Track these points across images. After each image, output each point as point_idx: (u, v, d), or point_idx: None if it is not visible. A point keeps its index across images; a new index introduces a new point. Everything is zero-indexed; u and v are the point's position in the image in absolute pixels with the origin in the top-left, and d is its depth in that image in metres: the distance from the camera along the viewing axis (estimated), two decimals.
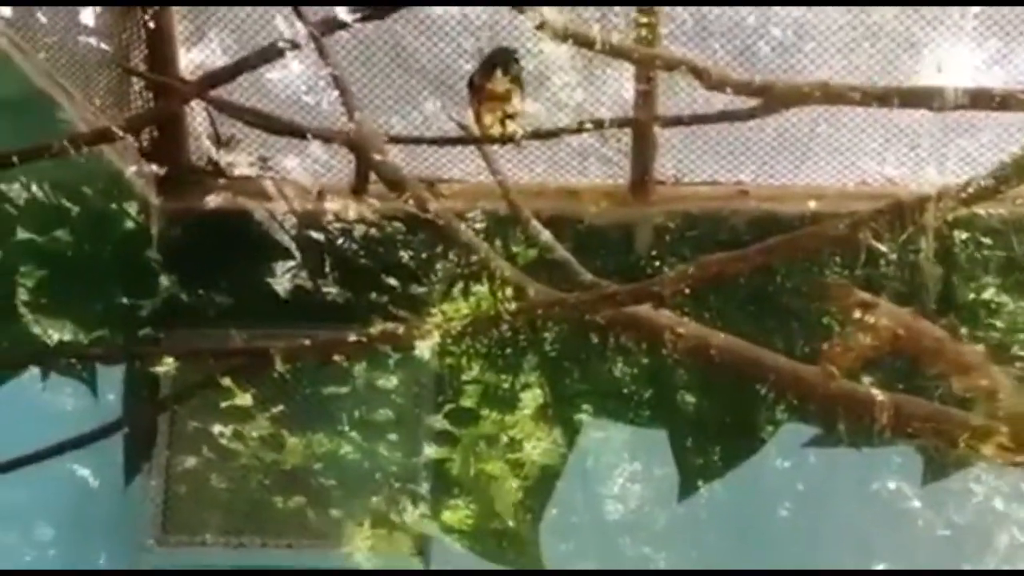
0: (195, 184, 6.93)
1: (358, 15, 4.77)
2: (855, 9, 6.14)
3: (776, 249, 3.97)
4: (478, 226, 6.70)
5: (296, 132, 5.63)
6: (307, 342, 4.52)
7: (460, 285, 7.15)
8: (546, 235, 4.91)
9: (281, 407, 6.93)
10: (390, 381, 7.11)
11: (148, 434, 6.97)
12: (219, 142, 6.76)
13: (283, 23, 5.05)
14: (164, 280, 7.09)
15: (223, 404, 6.55)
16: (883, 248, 3.67)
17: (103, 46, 6.24)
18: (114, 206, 6.82)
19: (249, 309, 7.01)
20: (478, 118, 5.45)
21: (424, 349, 4.31)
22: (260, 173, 6.87)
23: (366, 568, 6.81)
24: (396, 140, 5.60)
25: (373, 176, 4.92)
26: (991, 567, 6.56)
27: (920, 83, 5.85)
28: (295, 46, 4.69)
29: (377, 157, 4.78)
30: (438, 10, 6.23)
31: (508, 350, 7.19)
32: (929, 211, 3.52)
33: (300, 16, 4.75)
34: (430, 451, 7.06)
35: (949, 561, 6.56)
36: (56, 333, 6.25)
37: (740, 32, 6.26)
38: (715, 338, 4.25)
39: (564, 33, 4.24)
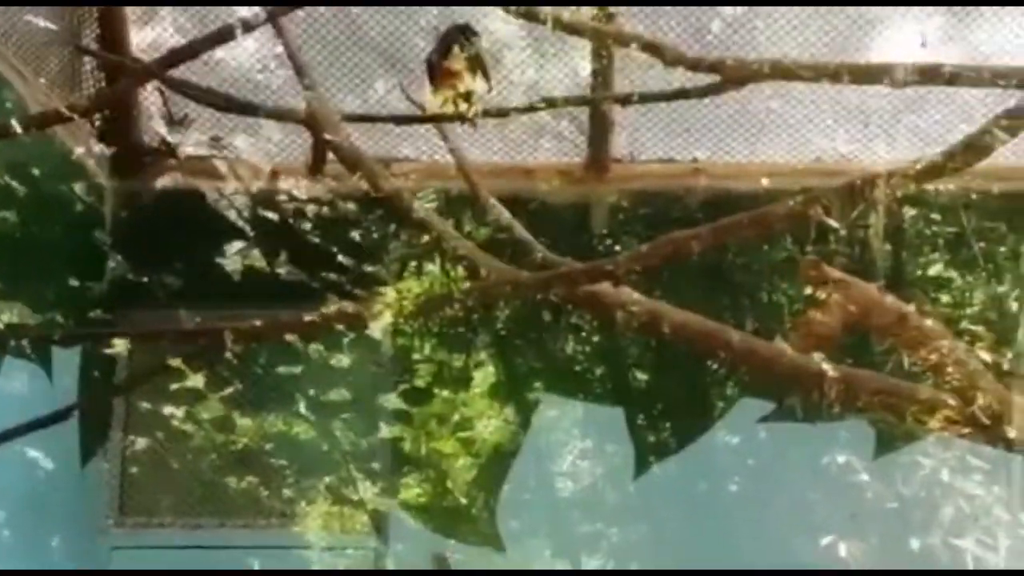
0: (147, 164, 6.89)
1: None
2: None
3: (729, 228, 4.02)
4: (430, 205, 6.69)
5: (250, 111, 5.60)
6: (259, 323, 4.52)
7: (414, 264, 7.16)
8: (505, 214, 4.93)
9: (233, 388, 6.91)
10: (344, 361, 7.11)
11: (103, 417, 6.94)
12: (172, 122, 6.72)
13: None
14: (115, 262, 7.04)
15: (175, 386, 6.52)
16: (833, 224, 3.71)
17: (53, 26, 6.18)
18: (64, 187, 6.75)
19: (202, 290, 6.97)
20: (434, 96, 5.44)
21: (377, 329, 4.32)
22: (213, 153, 6.83)
23: (323, 546, 6.83)
24: (351, 119, 5.58)
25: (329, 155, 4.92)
26: (937, 539, 6.64)
27: (871, 60, 5.91)
28: (252, 27, 4.66)
29: (332, 136, 4.78)
30: None
31: (461, 329, 7.21)
32: (880, 188, 3.57)
33: None
34: (385, 430, 7.07)
35: (896, 532, 6.64)
36: (6, 316, 6.20)
37: (693, 10, 6.28)
38: (668, 314, 4.30)
39: (517, 10, 4.26)
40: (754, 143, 6.79)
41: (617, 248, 6.84)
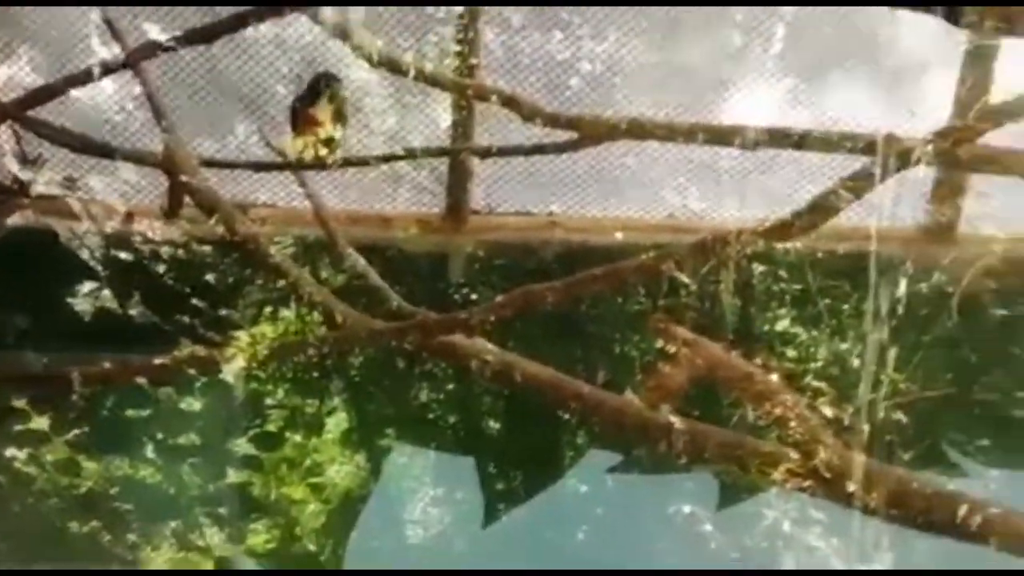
0: None
1: (178, 37, 4.73)
2: (666, 48, 6.33)
3: (583, 282, 4.09)
4: (287, 251, 6.68)
5: (107, 153, 5.54)
6: (109, 365, 4.46)
7: (269, 309, 7.12)
8: (361, 261, 4.94)
9: (80, 431, 6.79)
10: (195, 405, 7.03)
11: None
12: (25, 161, 6.61)
13: (97, 42, 4.98)
14: None
15: (19, 428, 6.39)
16: (685, 279, 3.80)
17: None
18: None
19: (50, 331, 6.85)
20: (294, 142, 5.46)
21: (230, 373, 4.30)
22: (67, 193, 6.73)
23: None
24: (209, 163, 5.56)
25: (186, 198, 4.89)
26: None
27: (724, 121, 6.06)
28: (112, 70, 4.62)
29: (189, 179, 4.76)
30: (253, 32, 6.22)
31: (315, 374, 7.18)
32: (730, 245, 3.66)
33: (117, 36, 4.70)
34: (233, 475, 7.00)
35: None
36: None
37: (552, 66, 6.39)
38: (520, 365, 4.34)
39: (378, 59, 4.30)
40: (609, 198, 6.91)
41: (473, 297, 6.90)
